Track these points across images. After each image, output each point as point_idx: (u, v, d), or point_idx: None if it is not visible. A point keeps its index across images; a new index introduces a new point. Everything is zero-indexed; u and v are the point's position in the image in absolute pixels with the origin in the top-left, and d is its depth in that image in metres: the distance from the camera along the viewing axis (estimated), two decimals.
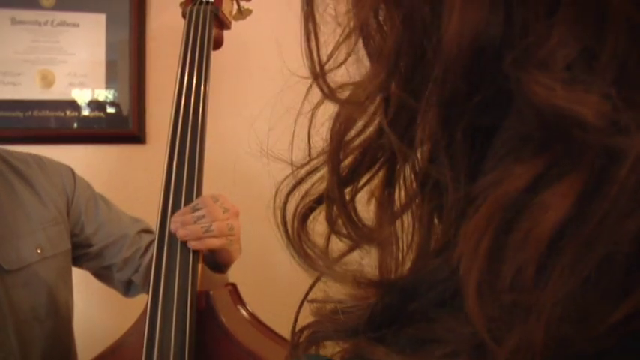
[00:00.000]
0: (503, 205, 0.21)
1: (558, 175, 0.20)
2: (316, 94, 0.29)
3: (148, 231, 1.08)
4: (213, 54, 0.99)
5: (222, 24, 1.08)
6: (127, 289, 1.09)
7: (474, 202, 0.22)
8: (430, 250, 0.27)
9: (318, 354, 0.29)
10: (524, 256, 0.20)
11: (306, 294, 0.31)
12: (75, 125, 1.50)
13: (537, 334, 0.20)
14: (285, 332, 0.93)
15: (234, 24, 1.13)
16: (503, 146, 0.22)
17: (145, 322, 0.82)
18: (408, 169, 0.27)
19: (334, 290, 0.30)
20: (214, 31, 1.00)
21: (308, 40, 0.28)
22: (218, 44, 1.00)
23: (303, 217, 0.30)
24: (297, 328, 0.30)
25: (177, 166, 0.89)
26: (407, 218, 0.28)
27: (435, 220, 0.27)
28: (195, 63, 0.93)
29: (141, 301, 1.08)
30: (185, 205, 0.87)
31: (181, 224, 0.85)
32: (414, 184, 0.27)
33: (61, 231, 1.02)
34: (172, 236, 0.86)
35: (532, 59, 0.20)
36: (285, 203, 0.30)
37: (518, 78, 0.20)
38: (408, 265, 0.28)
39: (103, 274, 1.10)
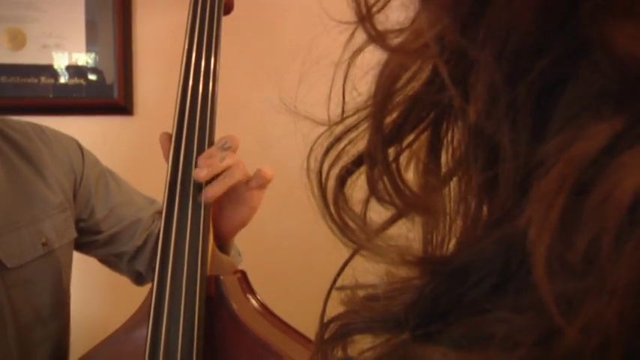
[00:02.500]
0: (578, 166, 0.21)
1: None
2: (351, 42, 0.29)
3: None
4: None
5: None
6: (139, 278, 1.10)
7: (543, 165, 0.22)
8: (483, 223, 0.27)
9: (349, 356, 0.29)
10: (601, 223, 0.20)
11: (335, 278, 0.31)
12: (50, 94, 1.53)
13: (610, 313, 0.20)
14: (296, 325, 0.98)
15: None
16: (575, 104, 0.22)
17: (150, 309, 0.86)
18: (458, 130, 0.27)
19: (364, 277, 0.30)
20: None
21: None
22: (229, 9, 1.03)
23: (342, 180, 0.29)
24: (324, 320, 0.30)
25: (185, 147, 0.91)
26: (453, 188, 0.28)
27: (487, 189, 0.27)
28: (205, 36, 0.95)
29: (140, 288, 1.12)
30: (194, 186, 0.89)
31: (208, 167, 0.86)
32: (464, 147, 0.27)
33: (68, 218, 1.01)
34: (181, 214, 0.88)
35: (615, 5, 0.20)
36: (321, 164, 0.29)
37: (597, 26, 0.21)
38: (454, 240, 0.29)
39: (111, 261, 1.10)
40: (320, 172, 0.29)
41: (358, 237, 0.29)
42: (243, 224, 0.95)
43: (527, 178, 0.23)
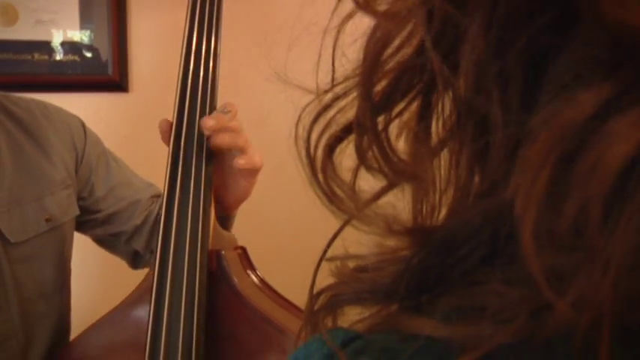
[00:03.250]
0: (566, 133, 0.21)
1: (630, 101, 0.20)
2: (340, 9, 0.29)
3: (160, 196, 1.06)
4: None
5: None
6: (135, 260, 1.11)
7: (532, 134, 0.22)
8: (473, 192, 0.27)
9: (339, 327, 0.29)
10: (589, 192, 0.20)
11: (325, 250, 0.31)
12: (45, 70, 1.52)
13: (604, 287, 0.20)
14: (296, 301, 1.00)
15: None
16: (566, 73, 0.22)
17: (152, 284, 0.87)
18: (448, 99, 0.27)
19: (355, 248, 0.30)
20: None
21: None
22: None
23: (330, 148, 0.29)
24: (314, 292, 0.30)
25: (187, 121, 0.92)
26: (444, 157, 0.28)
27: (478, 160, 0.27)
28: (206, 15, 0.94)
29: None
30: (196, 159, 0.91)
31: (215, 119, 0.88)
32: (455, 116, 0.27)
33: (70, 194, 1.03)
34: (183, 189, 0.90)
35: None
36: (309, 132, 0.29)
37: None
38: (444, 210, 0.29)
39: (108, 241, 1.12)
40: (308, 140, 0.29)
41: (346, 205, 0.29)
42: (243, 197, 0.97)
43: (517, 148, 0.23)
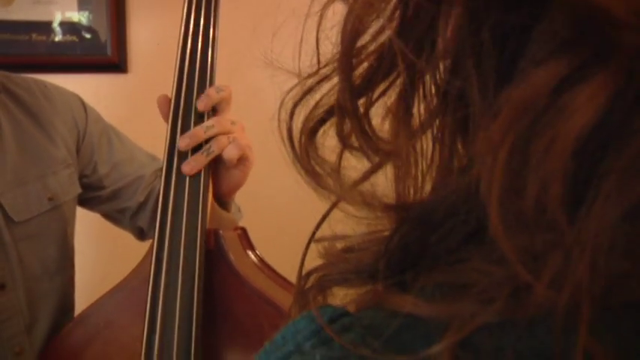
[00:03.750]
0: (523, 110, 0.21)
1: (585, 76, 0.20)
2: None
3: None
4: None
5: None
6: (141, 234, 1.13)
7: (495, 113, 0.22)
8: (453, 170, 0.27)
9: (328, 304, 0.28)
10: (547, 169, 0.20)
11: (314, 231, 0.31)
12: (43, 51, 1.53)
13: (582, 267, 0.20)
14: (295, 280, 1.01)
15: None
16: (538, 50, 0.22)
17: (150, 264, 0.89)
18: (428, 80, 0.27)
19: (343, 228, 0.30)
20: None
21: None
22: None
23: (312, 130, 0.30)
24: (304, 272, 0.30)
25: (184, 106, 0.93)
26: (426, 138, 0.28)
27: (459, 138, 0.27)
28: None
29: (141, 244, 1.15)
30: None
31: (189, 137, 0.89)
32: (435, 98, 0.27)
33: (72, 173, 1.04)
34: (180, 171, 0.91)
35: None
36: (292, 115, 0.30)
37: None
38: (427, 190, 0.29)
39: (114, 216, 1.13)
40: (291, 123, 0.30)
41: (327, 184, 0.29)
42: (237, 186, 0.99)
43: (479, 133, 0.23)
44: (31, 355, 0.96)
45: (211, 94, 0.91)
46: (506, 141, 0.21)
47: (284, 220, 1.60)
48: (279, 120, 0.30)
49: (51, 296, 1.00)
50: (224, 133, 0.91)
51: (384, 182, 0.30)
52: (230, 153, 0.91)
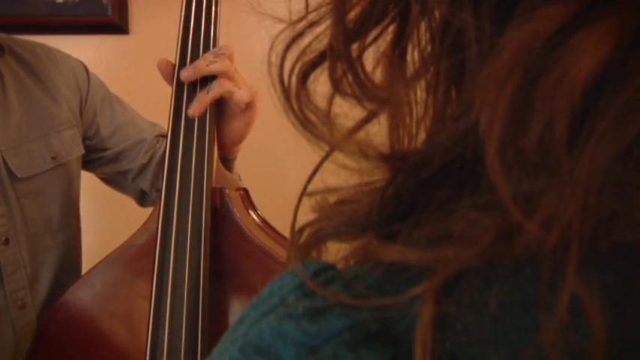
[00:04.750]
0: (530, 47, 0.21)
1: (597, 16, 0.20)
2: None
3: (165, 136, 1.06)
4: None
5: None
6: (142, 198, 1.16)
7: (498, 50, 0.22)
8: (447, 117, 0.27)
9: (319, 260, 0.28)
10: (554, 108, 0.20)
11: (306, 184, 0.31)
12: (45, 12, 1.52)
13: (572, 207, 0.20)
14: None
15: None
16: None
17: (157, 222, 0.90)
18: (424, 25, 0.27)
19: (336, 181, 0.30)
20: None
21: None
22: None
23: (304, 73, 0.29)
24: (297, 227, 0.30)
25: (191, 53, 0.93)
26: (419, 86, 0.27)
27: (453, 85, 0.26)
28: None
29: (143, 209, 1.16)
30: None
31: (192, 68, 0.90)
32: (430, 43, 0.27)
33: (75, 135, 1.07)
34: (188, 126, 0.92)
35: None
36: (282, 59, 0.29)
37: None
38: (420, 140, 0.28)
39: (116, 180, 1.16)
40: (281, 67, 0.29)
41: (320, 131, 0.29)
42: (239, 139, 1.00)
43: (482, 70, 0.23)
44: (33, 309, 0.99)
45: (208, 58, 0.91)
46: (512, 77, 0.21)
47: (278, 172, 1.60)
48: (269, 64, 0.29)
49: (53, 253, 1.03)
50: (226, 73, 0.91)
51: (375, 131, 0.29)
52: (242, 95, 0.92)
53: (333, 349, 0.22)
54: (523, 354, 0.21)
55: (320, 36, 0.29)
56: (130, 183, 1.14)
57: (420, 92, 0.27)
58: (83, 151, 1.09)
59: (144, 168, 1.12)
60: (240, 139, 1.00)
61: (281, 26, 0.29)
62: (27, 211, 0.98)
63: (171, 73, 0.93)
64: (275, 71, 0.29)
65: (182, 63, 0.93)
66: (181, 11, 0.94)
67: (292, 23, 0.29)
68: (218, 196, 0.93)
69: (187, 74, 0.90)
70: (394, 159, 0.28)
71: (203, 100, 0.90)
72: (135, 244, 0.97)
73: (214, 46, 0.94)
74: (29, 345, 0.97)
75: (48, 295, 1.01)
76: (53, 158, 1.02)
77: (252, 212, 1.00)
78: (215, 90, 0.91)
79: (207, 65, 0.90)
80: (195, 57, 0.93)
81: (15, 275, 0.96)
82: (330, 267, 0.26)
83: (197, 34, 0.94)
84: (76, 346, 0.97)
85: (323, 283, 0.25)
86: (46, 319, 0.97)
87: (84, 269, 1.08)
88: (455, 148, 0.24)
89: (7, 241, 0.95)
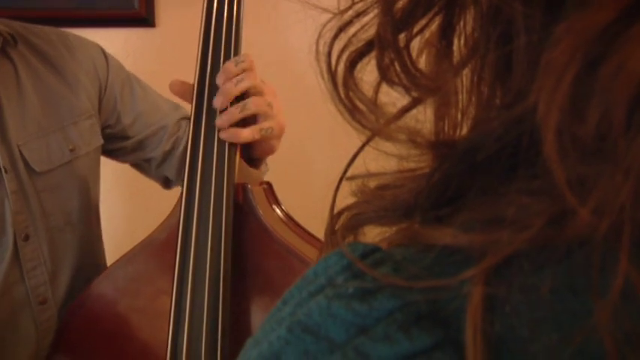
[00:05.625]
0: (590, 36, 0.21)
1: None
2: None
3: (188, 118, 1.03)
4: None
5: None
6: (167, 183, 1.14)
7: (556, 39, 0.22)
8: (494, 106, 0.27)
9: (360, 241, 0.29)
10: (612, 96, 0.20)
11: (347, 167, 0.31)
12: (73, 5, 1.52)
13: (625, 193, 0.20)
14: (321, 235, 1.01)
15: None
16: None
17: (179, 217, 0.89)
18: (470, 16, 0.27)
19: (376, 167, 0.30)
20: None
21: None
22: None
23: (352, 62, 0.29)
24: (335, 212, 0.30)
25: (212, 57, 0.92)
26: (466, 76, 0.28)
27: (500, 75, 0.26)
28: None
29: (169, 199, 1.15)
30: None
31: (222, 95, 0.89)
32: (477, 32, 0.27)
33: (94, 124, 1.04)
34: (209, 120, 0.90)
35: None
36: (330, 48, 0.29)
37: None
38: (466, 129, 0.29)
39: (142, 166, 1.14)
40: (329, 55, 0.29)
41: (368, 119, 0.29)
42: (269, 153, 0.99)
43: (540, 55, 0.23)
44: (54, 305, 0.98)
45: (230, 69, 0.90)
46: (572, 65, 0.21)
47: (304, 166, 1.58)
48: (316, 53, 0.30)
49: (73, 247, 1.01)
50: (255, 89, 0.90)
51: (414, 119, 0.29)
52: (274, 132, 0.92)
53: (385, 328, 0.23)
54: (573, 337, 0.21)
55: (367, 25, 0.29)
56: (154, 170, 1.13)
57: (465, 83, 0.28)
58: (102, 141, 1.06)
59: (167, 155, 1.10)
60: (270, 153, 0.99)
61: (327, 16, 0.30)
62: (46, 205, 0.97)
63: (188, 92, 0.93)
64: (323, 59, 0.30)
65: (202, 70, 0.92)
66: (202, 13, 0.93)
67: (340, 12, 0.29)
68: (241, 192, 0.91)
69: (220, 102, 0.89)
70: (442, 146, 0.28)
71: (234, 114, 0.89)
72: (157, 238, 0.96)
73: (236, 48, 0.92)
74: (51, 340, 0.96)
75: (69, 290, 1.00)
76: (72, 150, 1.00)
77: (275, 207, 0.99)
78: (249, 110, 0.90)
79: (236, 85, 0.89)
80: (217, 55, 0.91)
81: (36, 271, 0.95)
82: (377, 249, 0.26)
83: (218, 35, 0.92)
84: (97, 341, 0.96)
85: (372, 264, 0.25)
86: (68, 315, 0.96)
87: (109, 261, 1.07)
88: (508, 134, 0.25)
89: (27, 237, 0.94)
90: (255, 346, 0.25)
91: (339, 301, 0.24)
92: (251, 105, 0.89)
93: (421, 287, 0.23)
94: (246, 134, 0.90)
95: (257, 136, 0.90)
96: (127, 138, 1.10)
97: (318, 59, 0.30)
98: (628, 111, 0.20)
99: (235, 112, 0.89)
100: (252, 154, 0.97)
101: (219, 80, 0.90)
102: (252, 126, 0.91)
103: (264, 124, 0.91)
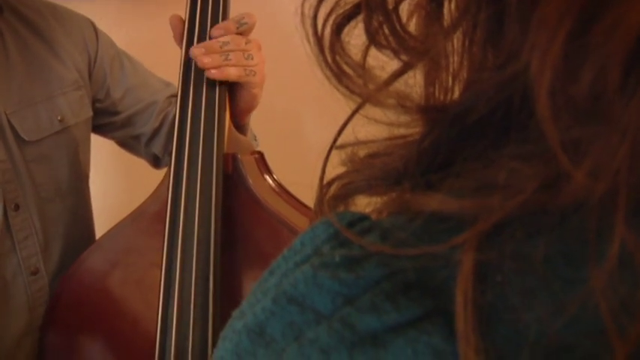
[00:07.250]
0: None
1: None
2: None
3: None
4: None
5: None
6: (156, 161, 1.13)
7: None
8: (486, 69, 0.26)
9: (348, 210, 0.28)
10: (607, 54, 0.20)
11: (336, 136, 0.31)
12: None
13: (620, 155, 0.20)
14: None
15: None
16: None
17: (167, 189, 0.88)
18: None
19: (366, 135, 0.29)
20: None
21: None
22: None
23: (338, 26, 0.28)
24: (325, 180, 0.30)
25: (199, 25, 0.91)
26: (457, 40, 0.27)
27: (491, 36, 0.26)
28: None
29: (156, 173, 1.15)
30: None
31: (205, 49, 0.88)
32: None
33: (83, 96, 1.03)
34: (196, 90, 0.89)
35: None
36: (316, 11, 0.29)
37: None
38: (455, 93, 0.28)
39: (129, 143, 1.14)
40: (315, 18, 0.29)
41: (356, 84, 0.28)
42: (250, 108, 0.97)
43: (533, 13, 0.22)
44: (46, 275, 0.98)
45: (230, 27, 0.89)
46: (565, 22, 0.20)
47: (296, 134, 1.57)
48: (302, 15, 0.29)
49: (64, 218, 1.01)
50: (240, 51, 0.89)
51: (404, 83, 0.28)
52: (255, 81, 0.91)
53: (372, 298, 0.22)
54: (567, 306, 0.21)
55: None
56: (143, 147, 1.12)
57: (456, 44, 0.27)
58: (91, 113, 1.05)
59: (156, 132, 1.09)
60: (249, 109, 0.97)
61: None
62: (36, 175, 0.96)
63: (180, 32, 0.91)
64: (308, 23, 0.29)
65: (191, 27, 0.90)
66: None
67: None
68: (230, 162, 0.91)
69: (200, 52, 0.88)
70: (433, 111, 0.27)
71: (216, 60, 0.88)
72: (147, 210, 0.95)
73: (225, 5, 0.90)
74: (43, 311, 0.96)
75: (60, 260, 1.00)
76: (60, 120, 0.99)
77: (267, 177, 0.98)
78: (231, 60, 0.89)
79: (221, 47, 0.88)
80: (204, 18, 0.90)
81: (27, 241, 0.95)
82: (364, 217, 0.26)
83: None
84: (89, 312, 0.96)
85: (359, 233, 0.24)
86: (60, 286, 0.96)
87: (99, 233, 1.07)
88: (499, 96, 0.24)
89: (17, 207, 0.94)
90: (241, 317, 0.25)
91: (325, 270, 0.23)
92: (232, 57, 0.89)
93: (409, 255, 0.23)
94: (233, 71, 0.89)
95: (243, 75, 0.89)
96: (116, 113, 1.09)
97: (303, 22, 0.29)
98: (624, 69, 0.20)
99: (218, 57, 0.88)
100: (238, 107, 0.96)
101: (214, 32, 0.89)
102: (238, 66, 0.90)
103: (250, 62, 0.90)
